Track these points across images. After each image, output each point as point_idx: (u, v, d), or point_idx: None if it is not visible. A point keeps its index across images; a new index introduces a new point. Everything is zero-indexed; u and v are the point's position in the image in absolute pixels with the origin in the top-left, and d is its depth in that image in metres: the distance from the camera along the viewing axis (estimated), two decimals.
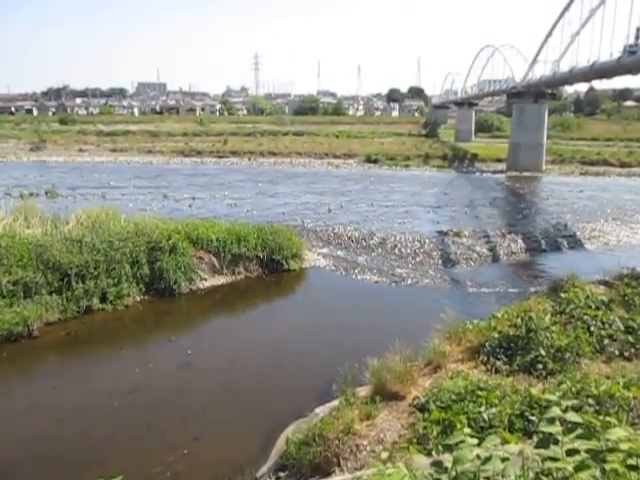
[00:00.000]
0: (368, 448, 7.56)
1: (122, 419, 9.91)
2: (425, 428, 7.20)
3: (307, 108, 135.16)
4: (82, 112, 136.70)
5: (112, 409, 10.19)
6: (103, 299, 15.03)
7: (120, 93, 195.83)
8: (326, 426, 7.99)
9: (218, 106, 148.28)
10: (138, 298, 15.85)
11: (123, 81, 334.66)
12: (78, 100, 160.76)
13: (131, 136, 74.90)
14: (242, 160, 57.24)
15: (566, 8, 44.86)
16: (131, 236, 16.60)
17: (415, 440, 7.15)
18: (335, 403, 9.19)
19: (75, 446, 9.14)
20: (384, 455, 2.82)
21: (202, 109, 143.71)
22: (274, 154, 60.36)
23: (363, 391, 9.45)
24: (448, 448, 2.21)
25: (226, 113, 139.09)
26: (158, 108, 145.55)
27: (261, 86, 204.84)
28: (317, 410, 9.37)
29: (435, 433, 6.98)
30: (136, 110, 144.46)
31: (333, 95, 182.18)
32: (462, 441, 2.17)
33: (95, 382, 11.38)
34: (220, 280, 17.80)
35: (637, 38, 34.14)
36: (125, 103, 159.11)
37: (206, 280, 17.48)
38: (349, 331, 13.82)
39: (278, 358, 12.45)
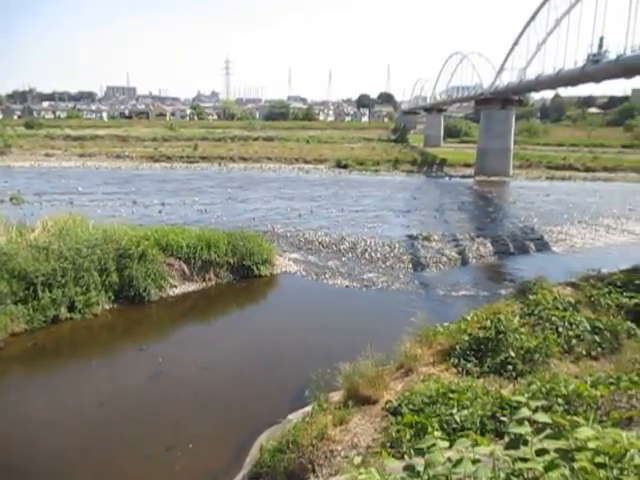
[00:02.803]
0: (342, 453, 7.54)
1: (93, 432, 9.66)
2: (398, 432, 7.21)
3: (278, 113, 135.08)
4: (49, 116, 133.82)
5: (82, 422, 9.95)
6: (71, 308, 14.67)
7: (89, 97, 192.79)
8: (300, 432, 7.94)
9: (188, 111, 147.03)
10: (107, 306, 15.54)
11: (92, 85, 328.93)
12: (45, 104, 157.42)
13: (100, 141, 73.66)
14: (212, 165, 56.88)
15: (532, 17, 46.00)
16: (100, 243, 16.27)
17: (388, 444, 7.16)
18: (308, 409, 9.15)
19: (44, 461, 8.86)
20: (357, 460, 2.81)
21: (172, 114, 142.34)
22: (245, 159, 60.16)
23: (336, 396, 9.43)
24: (420, 452, 2.22)
25: (196, 118, 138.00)
26: (127, 112, 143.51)
27: (232, 91, 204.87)
28: (290, 416, 9.32)
29: (408, 436, 7.00)
30: (105, 114, 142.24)
31: (304, 100, 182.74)
32: (433, 444, 2.18)
33: (64, 394, 11.09)
34: (190, 287, 17.60)
35: (600, 47, 35.16)
36: (94, 107, 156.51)
37: (176, 287, 17.26)
38: (321, 336, 13.81)
39: (250, 365, 12.35)
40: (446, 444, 2.19)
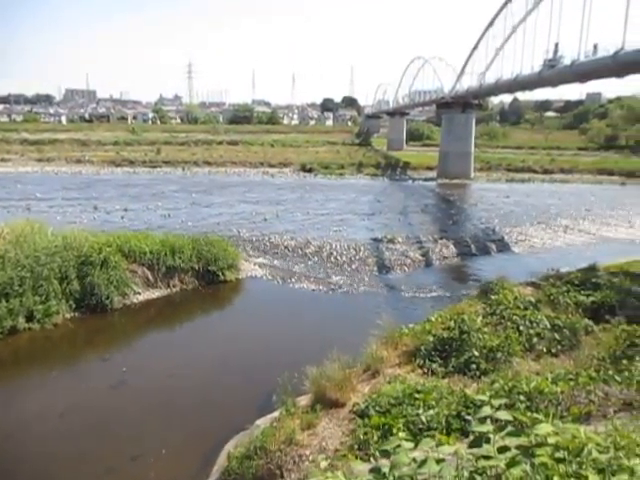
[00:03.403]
0: (311, 458, 7.53)
1: (53, 444, 9.39)
2: (365, 434, 7.26)
3: (242, 117, 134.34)
4: (4, 119, 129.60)
5: (41, 434, 9.66)
6: (30, 318, 14.21)
7: (46, 100, 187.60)
8: (267, 438, 7.91)
9: (151, 114, 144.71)
10: (68, 315, 15.13)
11: (49, 87, 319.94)
12: None
13: (59, 145, 71.74)
14: (176, 170, 56.13)
15: (491, 23, 47.09)
16: (59, 250, 15.84)
17: (356, 446, 7.20)
18: (276, 414, 9.12)
19: (2, 477, 8.58)
20: (323, 464, 2.82)
21: (134, 117, 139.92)
22: (209, 163, 59.60)
23: (304, 400, 9.43)
24: (386, 453, 2.24)
25: (159, 122, 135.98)
26: (87, 116, 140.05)
27: (195, 95, 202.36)
28: (258, 422, 9.27)
29: (375, 438, 7.06)
30: (64, 118, 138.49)
31: (268, 104, 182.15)
32: (398, 445, 2.21)
33: (23, 406, 10.72)
34: (155, 293, 17.32)
35: (555, 53, 36.24)
36: (52, 110, 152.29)
37: (140, 294, 16.96)
38: (288, 340, 13.79)
39: (217, 371, 12.23)
40: (411, 445, 2.22)
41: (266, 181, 49.56)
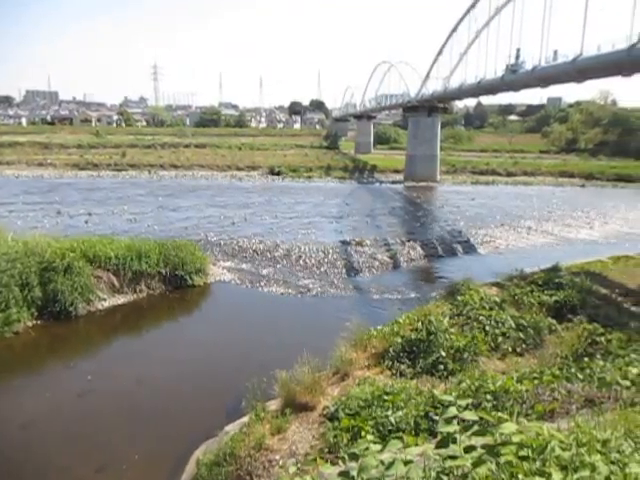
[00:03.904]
0: (281, 462, 7.51)
1: (16, 456, 9.11)
2: (335, 437, 7.28)
3: (209, 120, 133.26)
4: None
5: (3, 445, 9.36)
6: None
7: (5, 101, 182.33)
8: (237, 444, 7.85)
9: (115, 117, 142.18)
10: (30, 323, 14.71)
11: (8, 88, 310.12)
12: None
13: (19, 148, 69.67)
14: (142, 173, 55.27)
15: (454, 29, 47.92)
16: (20, 256, 15.38)
17: (326, 450, 7.20)
18: (245, 419, 9.06)
19: None
20: (292, 469, 2.81)
21: (98, 120, 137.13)
22: (175, 167, 58.90)
23: (273, 405, 9.39)
24: (354, 456, 2.25)
25: (124, 124, 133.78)
26: (49, 118, 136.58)
27: (161, 97, 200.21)
28: (227, 428, 9.18)
29: (345, 441, 7.08)
30: (24, 120, 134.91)
31: (235, 107, 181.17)
32: (367, 448, 2.22)
33: None
34: (121, 299, 17.00)
35: (517, 58, 37.06)
36: (11, 112, 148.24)
37: (105, 300, 16.63)
38: (257, 345, 13.71)
39: (185, 377, 12.07)
40: (378, 447, 2.24)
41: (234, 184, 49.25)
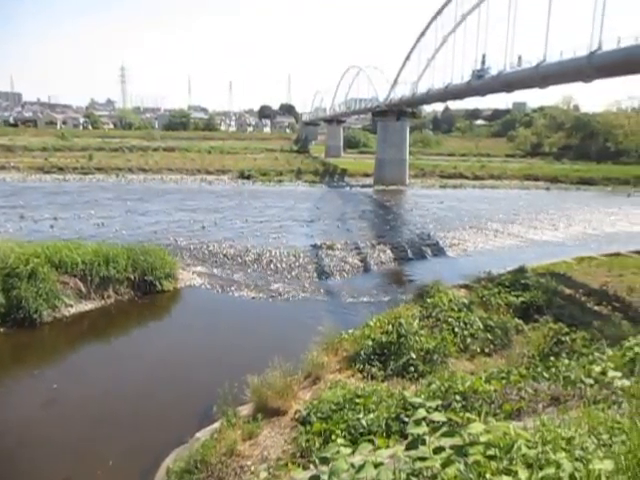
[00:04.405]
0: (252, 468, 7.46)
1: None
2: (307, 441, 7.28)
3: (178, 123, 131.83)
4: None
5: None
6: None
7: None
8: (208, 450, 7.77)
9: (82, 119, 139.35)
10: None
11: None
12: None
13: None
14: (109, 177, 54.31)
15: (422, 34, 48.53)
16: None
17: (299, 454, 7.19)
18: (216, 425, 8.99)
19: None
20: (263, 475, 2.81)
21: (64, 122, 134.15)
22: (144, 170, 58.05)
23: (245, 410, 9.34)
24: (325, 460, 2.27)
25: (91, 127, 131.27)
26: (12, 120, 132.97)
27: (129, 99, 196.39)
28: (198, 434, 9.08)
29: (317, 445, 7.08)
30: None
31: (204, 110, 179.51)
32: (337, 452, 2.24)
33: None
34: (88, 305, 16.66)
35: (483, 63, 37.74)
36: None
37: (72, 306, 16.26)
38: (229, 350, 13.62)
39: (155, 384, 11.90)
40: (349, 450, 2.26)
41: (204, 188, 48.84)
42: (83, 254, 17.20)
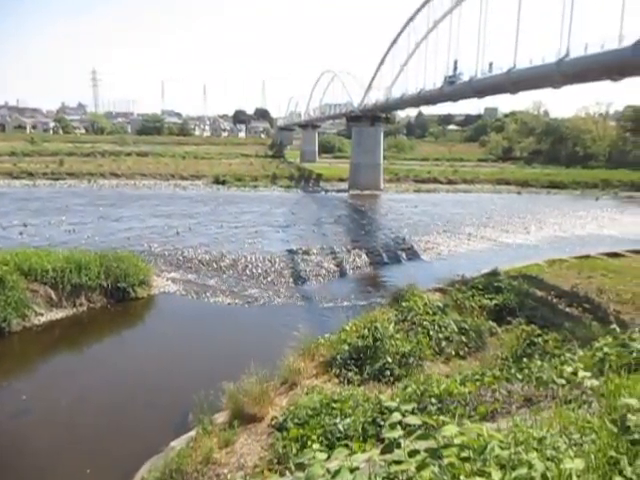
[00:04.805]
0: (229, 476, 7.40)
1: None
2: (284, 447, 7.25)
3: (151, 128, 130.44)
4: None
5: None
6: None
7: None
8: (184, 459, 7.69)
9: (52, 124, 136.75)
10: None
11: None
12: None
13: None
14: (81, 182, 53.44)
15: (395, 40, 49.03)
16: None
17: (275, 461, 7.16)
18: (192, 433, 8.89)
19: None
20: None
21: (33, 127, 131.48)
22: (117, 175, 57.28)
23: (221, 417, 9.27)
24: (301, 466, 2.27)
25: (62, 131, 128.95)
26: None
27: (101, 104, 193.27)
28: (173, 443, 8.96)
29: (294, 451, 7.06)
30: None
31: (178, 115, 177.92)
32: (313, 457, 2.24)
33: None
34: (59, 314, 16.33)
35: (455, 69, 38.24)
36: None
37: (42, 315, 15.93)
38: (204, 357, 13.50)
39: (129, 394, 11.71)
40: (324, 456, 2.26)
41: (178, 194, 48.41)
42: (54, 261, 16.89)
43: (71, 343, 15.32)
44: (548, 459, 2.88)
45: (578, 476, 2.59)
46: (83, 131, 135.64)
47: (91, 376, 12.72)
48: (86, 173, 56.84)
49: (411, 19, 45.50)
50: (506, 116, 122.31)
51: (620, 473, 2.79)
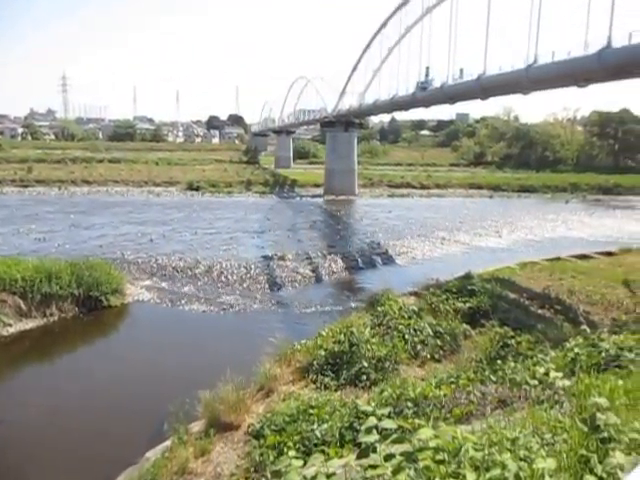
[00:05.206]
0: None
1: None
2: (261, 455, 7.20)
3: (123, 134, 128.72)
4: None
5: None
6: None
7: None
8: (159, 470, 7.58)
9: (20, 130, 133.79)
10: None
11: None
12: None
13: None
14: (51, 189, 52.38)
15: (368, 46, 49.41)
16: None
17: (252, 469, 7.11)
18: (168, 443, 8.77)
19: None
20: None
21: (1, 133, 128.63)
22: (88, 182, 56.34)
23: (197, 426, 9.17)
24: (277, 474, 2.26)
25: (30, 138, 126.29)
26: None
27: (71, 109, 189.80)
28: (148, 454, 8.83)
29: (272, 458, 7.01)
30: None
31: (151, 121, 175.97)
32: (289, 464, 2.24)
33: None
34: (29, 324, 15.96)
35: (427, 76, 38.71)
36: None
37: (11, 325, 15.55)
38: (179, 365, 13.34)
39: (103, 404, 11.49)
40: (301, 462, 2.27)
41: (151, 200, 47.84)
42: (23, 270, 16.53)
43: (42, 354, 14.99)
44: (521, 459, 2.94)
45: (550, 475, 2.64)
46: (53, 137, 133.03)
47: (63, 387, 12.46)
48: (56, 180, 55.76)
49: (383, 25, 45.93)
50: (477, 122, 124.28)
51: (591, 471, 2.85)
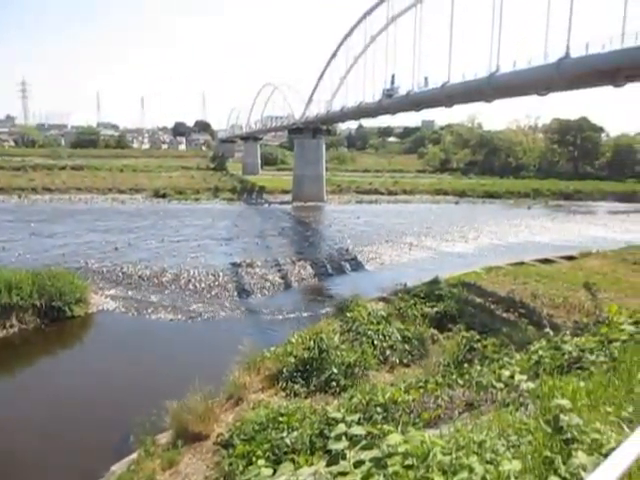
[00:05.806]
0: None
1: None
2: (231, 465, 7.12)
3: (87, 140, 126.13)
4: None
5: None
6: None
7: None
8: None
9: None
10: None
11: None
12: None
13: None
14: (10, 197, 50.95)
15: (334, 54, 49.79)
16: None
17: (222, 479, 7.02)
18: (134, 456, 8.60)
19: None
20: None
21: None
22: (50, 190, 55.00)
23: (164, 437, 9.01)
24: None
25: None
26: None
27: (31, 116, 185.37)
28: (114, 468, 8.64)
29: (241, 468, 6.94)
30: None
31: (115, 127, 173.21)
32: (258, 474, 2.23)
33: None
34: None
35: (393, 83, 39.22)
36: None
37: None
38: (146, 376, 13.10)
39: (65, 419, 11.19)
40: (270, 471, 2.25)
41: (116, 208, 47.00)
42: None
43: (1, 367, 14.51)
44: (488, 462, 2.97)
45: (516, 477, 2.69)
46: (12, 144, 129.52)
47: (24, 401, 12.08)
48: (16, 188, 54.28)
49: (349, 34, 46.40)
50: (442, 128, 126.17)
51: (555, 472, 2.91)
